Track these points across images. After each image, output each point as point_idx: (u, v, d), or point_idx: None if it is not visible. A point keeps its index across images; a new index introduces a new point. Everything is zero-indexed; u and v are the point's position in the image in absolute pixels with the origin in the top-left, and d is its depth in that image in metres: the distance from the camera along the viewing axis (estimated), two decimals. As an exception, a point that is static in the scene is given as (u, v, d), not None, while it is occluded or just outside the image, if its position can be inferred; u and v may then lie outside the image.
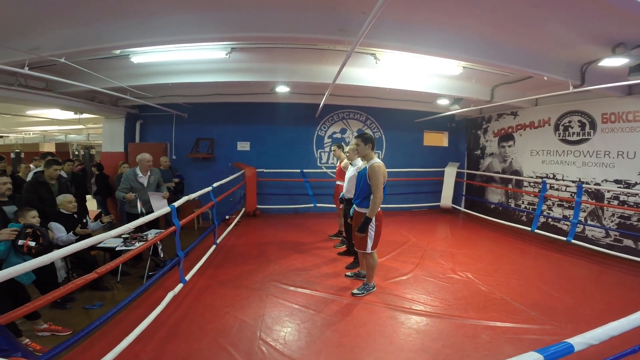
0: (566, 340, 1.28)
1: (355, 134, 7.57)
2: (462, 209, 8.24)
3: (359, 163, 4.16)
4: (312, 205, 7.71)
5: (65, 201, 3.61)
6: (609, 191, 5.09)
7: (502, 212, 7.23)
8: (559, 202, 5.90)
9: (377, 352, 2.60)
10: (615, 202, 5.00)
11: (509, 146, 7.06)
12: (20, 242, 2.50)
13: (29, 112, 8.45)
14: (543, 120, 6.22)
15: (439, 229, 6.84)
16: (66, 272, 3.50)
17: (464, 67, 4.76)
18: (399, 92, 5.84)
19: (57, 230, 3.35)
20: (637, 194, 4.70)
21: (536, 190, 6.31)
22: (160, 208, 4.16)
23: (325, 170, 8.12)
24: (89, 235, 3.24)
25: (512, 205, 7.00)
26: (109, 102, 6.72)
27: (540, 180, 6.10)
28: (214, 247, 4.82)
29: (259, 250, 5.08)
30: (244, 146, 7.91)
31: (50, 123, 10.13)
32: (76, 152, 12.53)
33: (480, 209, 7.73)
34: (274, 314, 3.16)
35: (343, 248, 5.02)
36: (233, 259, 4.70)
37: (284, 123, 7.88)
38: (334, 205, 5.73)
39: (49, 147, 13.23)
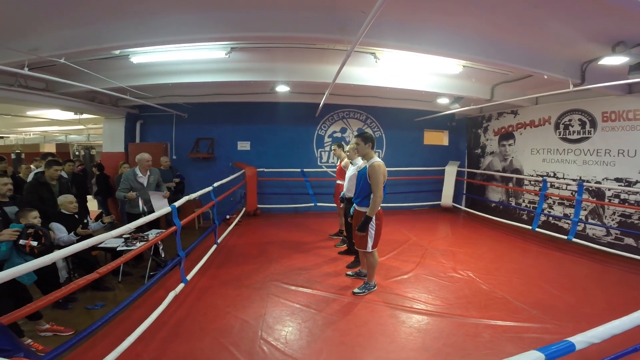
0: (567, 339, 1.28)
1: (356, 133, 7.56)
2: (463, 207, 8.24)
3: (360, 162, 4.16)
4: (313, 204, 7.71)
5: (66, 201, 3.62)
6: (609, 189, 5.08)
7: (502, 211, 7.23)
8: (560, 201, 5.89)
9: (378, 351, 2.60)
10: (616, 201, 5.00)
11: (510, 145, 7.05)
12: (22, 242, 2.50)
13: (29, 113, 8.46)
14: (543, 118, 6.21)
15: (440, 228, 6.84)
16: (68, 273, 3.51)
17: (463, 66, 4.76)
18: (399, 91, 5.83)
19: (58, 230, 3.36)
20: (637, 192, 4.70)
21: (537, 188, 6.31)
22: (161, 207, 4.16)
23: (325, 169, 8.13)
24: (90, 236, 3.24)
25: (513, 203, 7.00)
26: (109, 103, 6.73)
27: (540, 178, 6.09)
28: (214, 246, 4.83)
29: (259, 250, 5.09)
30: (244, 146, 7.91)
31: (51, 124, 10.14)
32: (77, 153, 12.53)
33: (481, 208, 7.73)
34: (275, 313, 3.17)
35: (344, 247, 5.02)
36: (234, 259, 4.70)
37: (284, 122, 7.88)
38: (335, 205, 5.73)
39: (50, 148, 13.24)
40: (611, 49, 3.52)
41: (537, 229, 5.91)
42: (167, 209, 3.42)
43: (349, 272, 4.11)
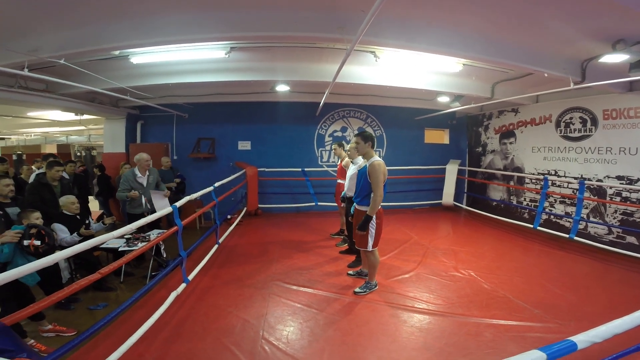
0: (569, 338, 1.28)
1: (356, 132, 7.57)
2: (464, 206, 8.23)
3: (360, 161, 4.16)
4: (314, 204, 7.71)
5: (68, 202, 3.63)
6: (611, 187, 5.07)
7: (504, 210, 7.22)
8: (561, 199, 5.88)
9: (379, 350, 2.61)
10: (618, 199, 4.99)
11: (510, 143, 7.04)
12: (25, 242, 2.51)
13: (30, 114, 8.48)
14: (544, 116, 6.20)
15: (441, 227, 6.84)
16: (70, 273, 3.52)
17: (463, 65, 4.75)
18: (399, 89, 5.83)
19: (60, 231, 3.37)
20: (639, 190, 4.69)
21: (538, 187, 6.30)
22: (162, 207, 4.17)
23: (326, 168, 8.12)
24: (92, 236, 3.25)
25: (514, 202, 6.99)
26: (110, 103, 6.73)
27: (542, 177, 6.08)
28: (216, 246, 4.84)
29: (261, 250, 5.10)
30: (245, 145, 7.92)
31: (51, 124, 10.16)
32: (78, 154, 12.55)
33: (482, 207, 7.72)
34: (277, 313, 3.17)
35: (345, 247, 5.03)
36: (235, 259, 4.71)
37: (285, 122, 7.88)
38: (336, 204, 5.73)
39: (51, 149, 13.26)
40: (611, 46, 3.51)
41: (539, 228, 5.91)
42: (169, 209, 3.43)
43: (350, 272, 4.11)
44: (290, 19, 3.23)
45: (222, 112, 7.64)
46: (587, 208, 5.42)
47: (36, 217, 2.89)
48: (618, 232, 5.01)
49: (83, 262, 3.61)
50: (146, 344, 2.60)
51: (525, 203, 6.72)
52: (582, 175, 5.48)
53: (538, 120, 6.34)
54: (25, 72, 3.63)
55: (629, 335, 1.42)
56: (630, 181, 4.82)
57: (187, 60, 4.66)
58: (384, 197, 3.31)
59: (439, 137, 9.04)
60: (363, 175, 3.44)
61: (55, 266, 3.12)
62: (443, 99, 6.41)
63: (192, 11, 3.24)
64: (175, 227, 3.42)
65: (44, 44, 3.55)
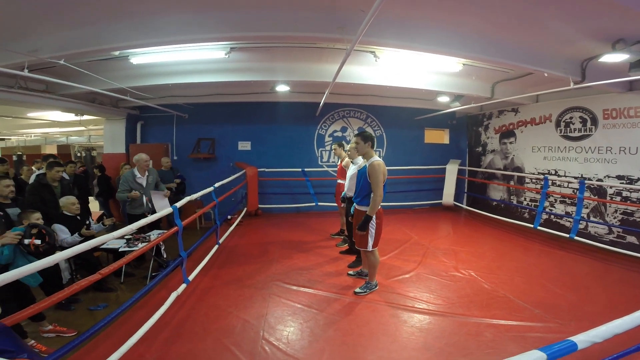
0: (569, 338, 1.28)
1: (356, 132, 7.57)
2: (464, 206, 8.23)
3: (360, 161, 4.16)
4: (314, 204, 7.71)
5: (69, 203, 3.63)
6: (611, 187, 5.07)
7: (504, 209, 7.22)
8: (561, 199, 5.88)
9: (380, 350, 2.61)
10: (618, 198, 4.99)
11: (511, 143, 7.04)
12: (26, 241, 2.51)
13: (30, 115, 8.48)
14: (544, 116, 6.20)
15: (441, 227, 6.84)
16: (70, 274, 3.52)
17: (463, 64, 4.75)
18: (399, 89, 5.82)
19: (61, 231, 3.37)
20: (639, 190, 4.68)
21: (538, 186, 6.30)
22: (162, 207, 4.17)
23: (326, 169, 8.12)
24: (92, 237, 3.25)
25: (514, 202, 6.99)
26: (110, 104, 6.73)
27: (542, 176, 6.08)
28: (216, 247, 4.84)
29: (261, 250, 5.10)
30: (245, 146, 7.92)
31: (52, 125, 10.16)
32: (78, 154, 12.57)
33: (482, 206, 7.72)
34: (277, 313, 3.17)
35: (345, 247, 5.03)
36: (235, 259, 4.71)
37: (285, 122, 7.88)
38: (336, 204, 5.73)
39: (51, 149, 13.27)
40: (611, 46, 3.51)
41: (539, 228, 5.91)
42: (169, 209, 3.43)
43: (351, 272, 4.11)
44: (290, 19, 3.23)
45: (222, 113, 7.64)
46: (587, 208, 5.42)
47: (36, 218, 2.89)
48: (618, 232, 5.01)
49: (83, 263, 3.61)
50: (146, 344, 2.60)
51: (525, 203, 6.72)
52: (582, 175, 5.48)
53: (538, 120, 6.34)
54: (25, 73, 3.63)
55: (629, 335, 1.42)
56: (631, 181, 4.82)
57: (187, 60, 4.66)
58: (383, 197, 3.31)
59: (439, 137, 9.04)
60: (363, 176, 3.44)
61: (56, 267, 3.12)
62: (443, 99, 6.41)
63: (192, 11, 3.24)
64: (175, 228, 3.42)
65: (44, 44, 3.55)
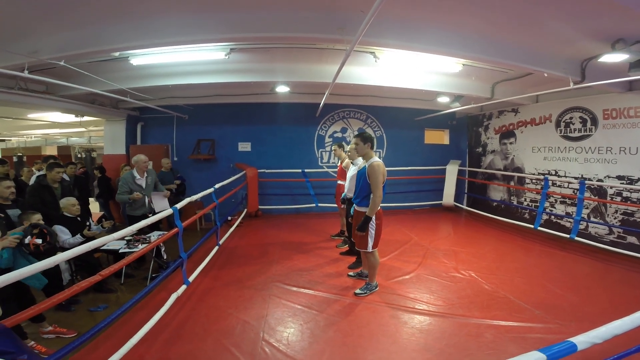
0: (569, 339, 1.27)
1: (356, 132, 7.58)
2: (465, 207, 8.22)
3: (360, 162, 4.16)
4: (314, 205, 7.71)
5: (69, 204, 3.63)
6: (611, 187, 5.06)
7: (504, 210, 7.21)
8: (562, 199, 5.88)
9: (380, 351, 2.60)
10: (618, 199, 4.98)
11: (511, 143, 7.04)
12: (26, 240, 2.51)
13: (30, 116, 8.50)
14: (544, 116, 6.20)
15: (441, 228, 6.83)
16: (70, 275, 3.52)
17: (463, 65, 4.75)
18: (399, 90, 5.83)
19: (61, 232, 3.37)
20: (639, 190, 4.69)
21: (538, 187, 6.29)
22: (162, 208, 4.17)
23: (326, 169, 8.12)
24: (93, 238, 3.25)
25: (515, 202, 6.98)
26: (110, 105, 6.74)
27: (542, 177, 6.08)
28: (216, 248, 4.84)
29: (261, 251, 5.09)
30: (245, 147, 7.92)
31: (52, 126, 10.18)
32: (78, 155, 12.58)
33: (483, 207, 7.71)
34: (277, 314, 3.17)
35: (345, 248, 5.02)
36: (236, 260, 4.71)
37: (285, 123, 7.88)
38: (336, 205, 5.73)
39: (51, 150, 13.27)
40: (611, 46, 3.51)
41: (539, 228, 5.90)
42: (169, 210, 3.43)
43: (351, 273, 4.11)
44: (290, 20, 3.23)
45: (222, 114, 7.65)
46: (587, 208, 5.41)
47: (37, 219, 2.89)
48: (619, 232, 5.00)
49: (84, 264, 3.61)
50: (147, 345, 2.60)
51: (525, 203, 6.71)
52: (582, 175, 5.48)
53: (538, 120, 6.33)
54: (26, 74, 3.63)
55: (629, 336, 1.42)
56: (631, 181, 4.82)
57: (187, 61, 4.66)
58: (383, 198, 3.31)
59: (439, 137, 9.04)
60: (362, 176, 3.44)
61: (56, 268, 3.12)
62: (443, 100, 6.41)
63: (192, 12, 3.25)
64: (175, 229, 3.42)
65: (44, 45, 3.55)
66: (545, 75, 4.21)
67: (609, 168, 5.11)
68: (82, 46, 3.52)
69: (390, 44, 3.54)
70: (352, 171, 4.32)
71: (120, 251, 3.66)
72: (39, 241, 2.57)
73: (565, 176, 5.79)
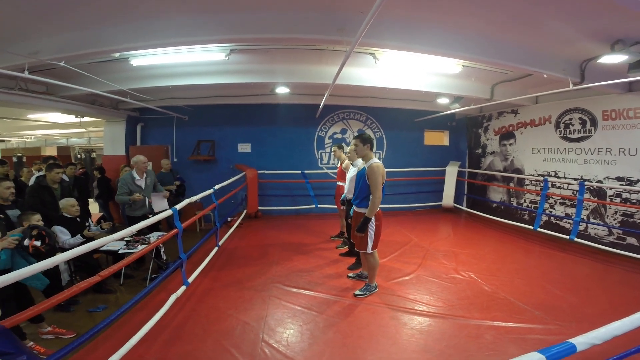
0: (569, 340, 1.27)
1: (356, 134, 7.59)
2: (464, 208, 8.23)
3: (360, 163, 4.16)
4: (314, 206, 7.71)
5: (68, 205, 3.63)
6: (611, 189, 5.07)
7: (504, 211, 7.21)
8: (561, 200, 5.88)
9: (379, 352, 2.60)
10: (618, 200, 4.98)
11: (510, 144, 7.05)
12: (25, 242, 2.51)
13: (30, 116, 8.49)
14: (544, 118, 6.20)
15: (441, 229, 6.83)
16: (69, 275, 3.51)
17: (463, 66, 4.76)
18: (399, 91, 5.84)
19: (61, 233, 3.37)
20: (639, 191, 4.68)
21: (538, 188, 6.30)
22: (162, 208, 4.17)
23: (326, 171, 8.12)
24: (93, 239, 3.25)
25: (514, 204, 6.98)
26: (110, 105, 6.74)
27: (542, 178, 6.08)
28: (216, 249, 4.84)
29: (261, 252, 5.09)
30: (244, 148, 7.92)
31: (52, 127, 10.17)
32: (78, 156, 12.58)
33: (482, 208, 7.71)
34: (277, 315, 3.17)
35: (345, 249, 5.02)
36: (235, 261, 4.70)
37: (285, 124, 7.88)
38: (336, 206, 5.73)
39: (51, 151, 13.27)
40: (610, 47, 3.52)
41: (539, 229, 5.91)
42: (169, 211, 3.43)
43: (350, 274, 4.10)
44: (290, 21, 3.24)
45: (222, 115, 7.65)
46: (587, 209, 5.42)
47: (36, 220, 2.89)
48: (618, 233, 5.00)
49: (83, 265, 3.61)
50: (146, 346, 2.60)
51: (525, 204, 6.71)
52: (582, 177, 5.48)
53: (537, 121, 6.34)
54: (26, 75, 3.63)
55: (628, 337, 1.42)
56: (630, 182, 4.82)
57: (187, 62, 4.67)
58: (382, 199, 3.31)
59: (439, 138, 9.05)
60: (362, 177, 3.44)
61: (55, 268, 3.11)
62: (443, 101, 6.42)
63: (192, 13, 3.26)
64: (175, 230, 3.41)
65: (44, 46, 3.56)
66: (545, 76, 4.22)
67: (608, 169, 5.12)
68: (83, 47, 3.53)
69: (390, 45, 3.55)
70: (351, 172, 4.33)
71: (119, 252, 3.66)
72: (38, 243, 2.56)
73: (565, 177, 5.80)
